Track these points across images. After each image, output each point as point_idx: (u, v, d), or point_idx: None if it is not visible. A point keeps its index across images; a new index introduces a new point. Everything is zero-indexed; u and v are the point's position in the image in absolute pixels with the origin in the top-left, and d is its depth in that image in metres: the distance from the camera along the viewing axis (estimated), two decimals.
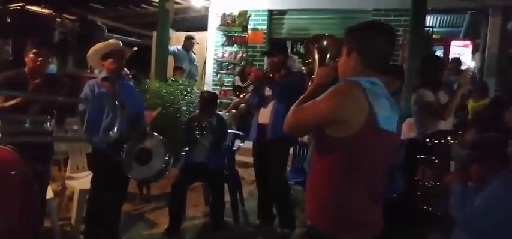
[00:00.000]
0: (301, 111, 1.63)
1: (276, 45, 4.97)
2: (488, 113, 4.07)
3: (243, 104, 5.94)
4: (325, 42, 2.02)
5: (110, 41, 3.28)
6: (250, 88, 3.72)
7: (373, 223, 1.63)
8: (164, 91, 5.60)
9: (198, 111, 4.40)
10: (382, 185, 1.66)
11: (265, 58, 5.18)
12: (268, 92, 3.71)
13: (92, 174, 3.25)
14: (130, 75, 3.49)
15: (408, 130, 4.44)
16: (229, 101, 7.15)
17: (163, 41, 6.26)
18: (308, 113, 1.60)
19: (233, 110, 6.70)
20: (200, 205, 4.39)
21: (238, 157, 5.79)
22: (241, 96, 3.75)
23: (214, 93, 4.53)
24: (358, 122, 1.46)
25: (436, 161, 2.98)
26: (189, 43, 7.27)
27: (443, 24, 9.79)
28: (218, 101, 7.40)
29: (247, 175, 5.44)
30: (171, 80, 6.12)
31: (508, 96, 5.51)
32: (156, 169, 3.08)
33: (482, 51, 6.71)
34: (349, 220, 1.57)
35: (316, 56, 1.97)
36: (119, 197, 3.35)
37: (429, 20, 9.04)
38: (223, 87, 7.47)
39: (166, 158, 3.09)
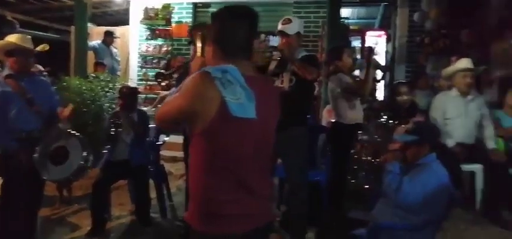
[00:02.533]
0: (165, 105, 1.58)
1: None
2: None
3: (166, 99, 5.84)
4: (206, 31, 1.88)
5: (10, 37, 3.05)
6: (175, 76, 3.66)
7: (251, 216, 1.55)
8: (84, 88, 5.36)
9: None
10: (261, 176, 1.59)
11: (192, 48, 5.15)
12: None
13: (1, 180, 3.05)
14: (45, 72, 3.30)
15: (328, 116, 4.74)
16: (155, 96, 7.02)
17: (82, 36, 5.97)
18: (169, 108, 1.55)
19: (159, 105, 6.57)
20: (126, 204, 4.28)
21: (167, 152, 5.74)
22: (165, 84, 3.67)
23: (134, 87, 4.43)
24: (210, 113, 1.42)
25: (379, 140, 3.28)
26: (108, 38, 7.02)
27: (361, 16, 10.43)
28: (145, 96, 7.35)
29: (176, 169, 5.40)
30: (92, 76, 5.86)
31: (415, 79, 6.01)
32: (74, 168, 2.96)
33: (393, 40, 7.25)
34: (220, 214, 1.50)
35: (198, 45, 1.88)
36: (34, 202, 3.17)
37: (347, 12, 9.58)
38: (148, 82, 7.31)
39: (85, 155, 2.98)
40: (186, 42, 6.90)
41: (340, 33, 5.92)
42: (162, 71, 3.59)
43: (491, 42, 6.25)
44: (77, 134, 3.06)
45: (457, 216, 3.90)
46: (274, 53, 3.05)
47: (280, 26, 3.12)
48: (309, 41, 6.72)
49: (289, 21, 3.12)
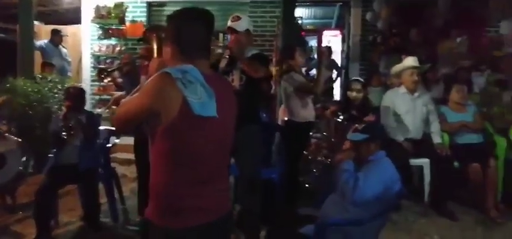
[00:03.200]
0: (124, 105, 1.60)
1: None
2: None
3: (123, 99, 5.68)
4: (161, 33, 1.91)
5: None
6: (118, 73, 3.55)
7: (211, 208, 1.61)
8: (30, 89, 5.10)
9: None
10: (220, 172, 1.65)
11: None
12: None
13: None
14: None
15: (283, 114, 4.77)
16: (109, 97, 6.80)
17: (27, 35, 5.68)
18: (129, 107, 1.57)
19: (113, 107, 6.38)
20: (77, 209, 4.11)
21: (120, 154, 5.58)
22: (107, 81, 3.55)
23: (81, 88, 4.25)
24: (172, 112, 1.46)
25: (333, 139, 3.32)
26: (56, 37, 6.71)
27: (318, 16, 10.61)
28: (99, 97, 7.11)
29: (130, 172, 5.25)
30: (39, 76, 5.59)
31: (369, 77, 6.18)
32: (12, 174, 2.80)
33: (347, 39, 7.41)
34: (181, 208, 1.54)
35: (155, 47, 1.90)
36: None
37: (304, 12, 9.72)
38: (102, 83, 7.07)
39: (24, 161, 2.83)
40: (137, 41, 6.70)
41: (295, 32, 5.98)
42: (103, 67, 3.47)
43: (438, 41, 6.54)
44: (16, 138, 2.89)
45: (406, 209, 4.04)
46: (225, 50, 3.04)
47: (229, 23, 3.12)
48: (266, 41, 6.76)
49: (238, 18, 3.12)
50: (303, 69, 5.57)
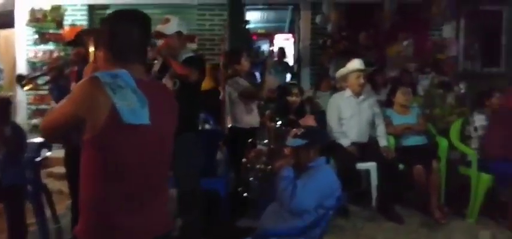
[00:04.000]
0: (50, 114, 1.52)
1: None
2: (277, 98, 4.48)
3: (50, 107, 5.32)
4: (97, 36, 1.83)
5: None
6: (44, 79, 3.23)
7: (146, 227, 1.50)
8: None
9: None
10: (156, 186, 1.54)
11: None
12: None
13: None
14: None
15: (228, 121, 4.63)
16: (47, 107, 6.34)
17: None
18: (55, 115, 1.48)
19: None
20: (2, 230, 3.73)
21: (58, 168, 5.19)
22: (28, 88, 3.21)
23: (7, 98, 3.91)
24: (99, 119, 1.37)
25: (272, 146, 3.19)
26: None
27: (271, 20, 10.58)
28: (36, 107, 6.62)
29: (67, 187, 4.88)
30: None
31: (319, 81, 6.17)
32: None
33: (297, 43, 7.39)
34: (112, 225, 1.44)
35: (91, 50, 1.87)
36: None
37: (256, 15, 9.65)
38: (38, 92, 6.59)
39: None
40: (66, 45, 6.28)
41: (243, 36, 5.86)
42: (22, 74, 3.17)
43: (386, 45, 6.65)
44: None
45: (354, 214, 4.00)
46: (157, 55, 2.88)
47: (158, 26, 2.93)
48: (214, 45, 6.60)
49: (167, 21, 2.97)
50: (256, 73, 5.49)
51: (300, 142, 2.55)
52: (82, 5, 6.70)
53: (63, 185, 4.95)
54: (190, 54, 3.07)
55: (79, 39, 3.13)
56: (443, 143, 4.23)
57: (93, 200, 1.46)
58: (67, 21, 6.63)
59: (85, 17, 6.71)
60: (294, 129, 2.72)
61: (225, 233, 3.09)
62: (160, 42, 2.94)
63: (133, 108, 1.40)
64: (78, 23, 6.66)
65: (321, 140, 2.73)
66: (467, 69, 6.79)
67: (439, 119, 4.63)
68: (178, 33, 2.95)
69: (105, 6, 6.82)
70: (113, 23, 1.55)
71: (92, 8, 6.80)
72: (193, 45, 6.44)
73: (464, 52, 6.95)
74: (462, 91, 6.07)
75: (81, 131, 1.42)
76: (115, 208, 1.44)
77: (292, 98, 4.08)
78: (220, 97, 4.94)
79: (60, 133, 1.54)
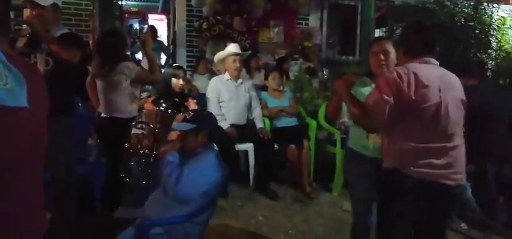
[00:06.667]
0: None
1: None
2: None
3: None
4: None
5: None
6: None
7: (22, 227, 1.26)
8: None
9: None
10: (32, 180, 1.28)
11: None
12: None
13: None
14: None
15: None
16: None
17: None
18: None
19: None
20: None
21: None
22: None
23: None
24: None
25: (156, 130, 2.92)
26: None
27: None
28: None
29: None
30: None
31: (196, 64, 6.12)
32: None
33: (173, 24, 7.19)
34: None
35: None
36: None
37: None
38: None
39: None
40: None
41: (113, 13, 5.45)
42: None
43: (258, 30, 6.92)
44: None
45: (233, 194, 4.10)
46: (24, 27, 2.47)
47: None
48: (82, 21, 6.01)
49: None
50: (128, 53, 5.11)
51: (189, 125, 2.44)
52: None
53: None
54: (65, 30, 2.71)
55: None
56: (312, 124, 4.61)
57: None
58: None
59: None
60: (182, 113, 2.60)
61: (100, 226, 2.84)
62: (27, 12, 2.52)
63: (11, 89, 1.17)
64: None
65: (210, 124, 2.61)
66: (328, 57, 7.48)
67: (308, 102, 5.01)
68: (54, 5, 2.58)
69: None
70: None
71: None
72: None
73: (327, 41, 7.64)
74: (325, 77, 6.71)
75: None
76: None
77: (176, 81, 3.73)
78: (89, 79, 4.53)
79: None
